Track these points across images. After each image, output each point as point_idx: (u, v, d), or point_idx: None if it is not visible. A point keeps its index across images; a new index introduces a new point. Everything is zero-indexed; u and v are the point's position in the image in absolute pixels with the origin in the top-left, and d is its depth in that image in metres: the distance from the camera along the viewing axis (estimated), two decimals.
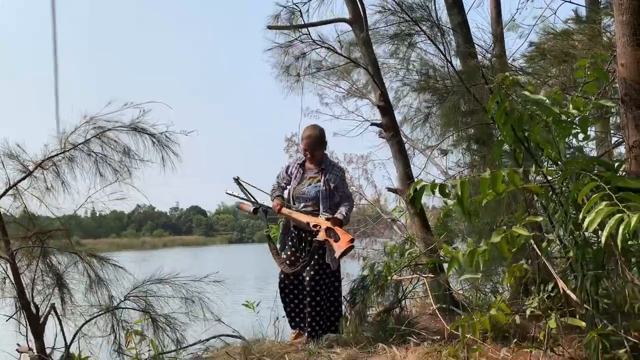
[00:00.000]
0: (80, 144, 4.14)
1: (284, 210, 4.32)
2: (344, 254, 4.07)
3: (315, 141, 4.35)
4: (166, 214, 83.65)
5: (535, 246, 3.02)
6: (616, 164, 2.72)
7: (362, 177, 11.87)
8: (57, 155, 4.11)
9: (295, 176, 4.40)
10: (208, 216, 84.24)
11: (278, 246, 4.42)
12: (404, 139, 5.85)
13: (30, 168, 4.07)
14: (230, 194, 4.50)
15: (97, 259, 4.15)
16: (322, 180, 4.30)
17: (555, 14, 4.99)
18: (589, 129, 3.39)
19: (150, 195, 4.45)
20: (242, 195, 4.45)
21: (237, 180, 4.46)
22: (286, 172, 4.49)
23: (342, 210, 4.24)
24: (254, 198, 4.46)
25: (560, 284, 2.88)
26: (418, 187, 2.53)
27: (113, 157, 4.26)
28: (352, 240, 4.07)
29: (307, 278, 4.21)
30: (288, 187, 4.46)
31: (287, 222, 4.47)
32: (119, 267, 4.19)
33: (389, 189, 6.06)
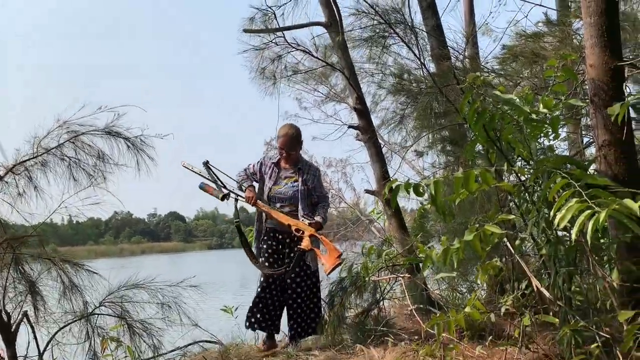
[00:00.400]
0: (53, 148, 4.07)
1: (260, 204, 4.17)
2: (332, 269, 4.05)
3: (292, 140, 4.24)
4: (144, 220, 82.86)
5: (508, 244, 3.06)
6: (586, 163, 2.78)
7: (342, 181, 11.92)
8: (29, 159, 4.03)
9: (270, 176, 4.26)
10: (187, 222, 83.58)
11: (254, 250, 4.26)
12: (381, 142, 5.89)
13: (1, 173, 3.99)
14: (186, 167, 4.25)
15: (71, 264, 4.08)
16: (299, 181, 4.21)
17: (526, 17, 5.08)
18: (560, 129, 3.46)
19: (127, 202, 4.41)
20: (207, 176, 4.23)
21: (206, 164, 4.24)
22: (259, 169, 4.34)
23: (321, 212, 4.21)
24: (223, 184, 4.23)
25: (534, 281, 2.92)
26: (393, 186, 2.55)
27: (87, 162, 4.20)
28: (340, 255, 4.03)
29: (289, 281, 4.16)
30: (257, 184, 4.33)
31: (260, 224, 4.31)
32: (94, 272, 4.13)
33: (367, 191, 6.09)
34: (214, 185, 4.21)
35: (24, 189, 4.08)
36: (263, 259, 4.25)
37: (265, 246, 4.26)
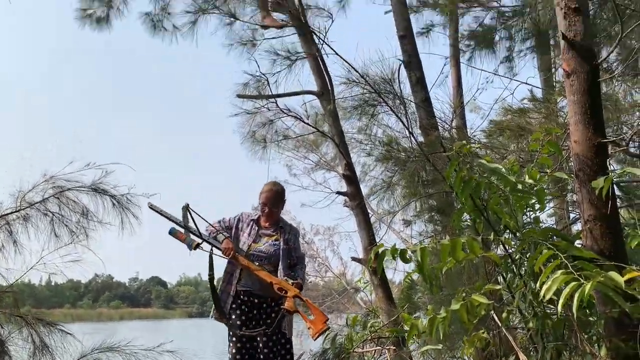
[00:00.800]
0: (37, 202, 4.03)
1: (240, 258, 3.86)
2: (319, 335, 3.86)
3: (276, 196, 4.08)
4: (125, 284, 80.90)
5: (495, 317, 3.00)
6: (572, 237, 2.78)
7: (328, 249, 11.85)
8: (11, 213, 3.98)
9: (249, 233, 4.02)
10: (168, 287, 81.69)
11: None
12: (370, 212, 5.89)
13: None
14: (153, 209, 3.81)
15: (44, 324, 3.93)
16: (281, 240, 4.03)
17: (512, 94, 5.26)
18: (546, 204, 3.49)
19: (109, 263, 4.30)
20: (177, 220, 3.79)
21: (186, 207, 3.82)
22: (236, 224, 4.06)
23: (300, 274, 4.05)
24: (199, 231, 3.83)
25: (521, 356, 2.84)
26: (379, 251, 2.52)
27: (70, 218, 4.15)
28: (327, 320, 3.87)
29: (261, 345, 3.89)
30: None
31: (228, 285, 3.95)
32: (67, 333, 3.97)
33: (354, 259, 6.03)
34: (186, 233, 3.82)
35: (3, 243, 4.00)
36: (233, 318, 3.93)
37: (238, 312, 3.90)
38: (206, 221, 3.90)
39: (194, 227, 3.84)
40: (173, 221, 3.83)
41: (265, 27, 5.01)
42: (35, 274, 4.08)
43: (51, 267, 4.06)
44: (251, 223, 4.07)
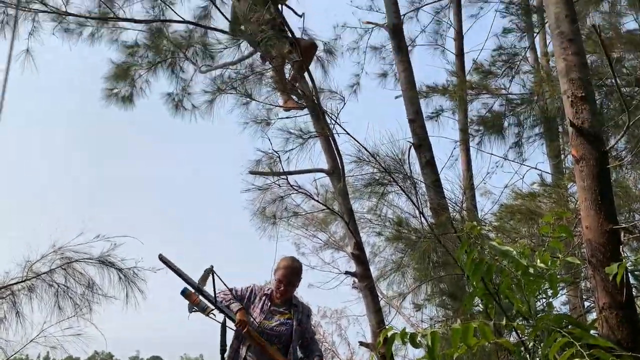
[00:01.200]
0: (43, 273, 4.02)
1: (254, 333, 3.62)
2: None
3: (294, 274, 3.94)
4: None
5: None
6: (587, 325, 2.69)
7: (336, 333, 11.49)
8: (17, 283, 3.96)
9: (261, 308, 3.81)
10: None
11: None
12: (379, 295, 5.78)
13: None
14: (165, 262, 3.53)
15: None
16: (294, 319, 3.84)
17: (522, 179, 5.30)
18: (560, 291, 3.41)
19: (110, 338, 4.20)
20: (193, 281, 3.49)
21: (211, 270, 3.56)
22: (248, 295, 3.86)
23: (318, 354, 3.90)
24: (215, 298, 3.55)
25: None
26: (388, 335, 2.45)
27: (76, 290, 4.13)
28: None
29: None
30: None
31: (234, 358, 3.70)
32: None
33: (361, 343, 5.82)
34: (201, 297, 3.52)
35: (5, 314, 3.95)
36: None
37: None
38: (226, 286, 3.69)
39: (210, 292, 3.59)
40: (185, 279, 3.56)
41: (288, 108, 5.14)
42: (35, 348, 3.98)
43: (52, 340, 3.99)
44: (264, 298, 3.87)
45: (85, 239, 4.08)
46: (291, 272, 3.93)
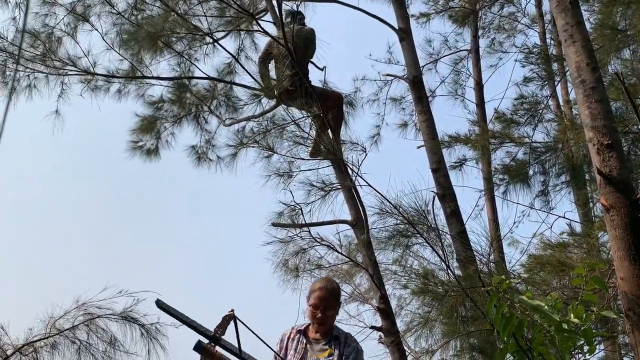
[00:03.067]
0: (66, 329, 3.99)
1: None
2: None
3: (331, 296, 3.14)
4: None
5: None
6: None
7: None
8: (39, 340, 3.94)
9: (296, 349, 3.07)
10: None
11: None
12: (406, 349, 5.60)
13: (9, 352, 3.86)
14: (163, 308, 2.65)
15: None
16: (335, 355, 3.02)
17: (550, 228, 5.17)
18: (596, 346, 3.25)
19: None
20: (204, 329, 2.59)
21: (232, 316, 2.61)
22: (281, 346, 3.14)
23: None
24: (240, 350, 2.59)
25: None
26: None
27: (97, 347, 4.09)
28: None
29: None
30: None
31: None
32: None
33: None
34: (223, 352, 2.60)
35: None
36: None
37: None
38: (254, 333, 2.61)
39: (229, 342, 2.69)
40: (196, 329, 2.68)
41: (315, 156, 5.12)
42: None
43: None
44: (297, 336, 3.13)
45: (108, 295, 4.07)
46: (328, 294, 3.12)
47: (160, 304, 2.71)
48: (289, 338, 3.15)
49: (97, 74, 5.94)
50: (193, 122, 6.78)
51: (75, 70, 5.73)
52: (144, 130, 6.89)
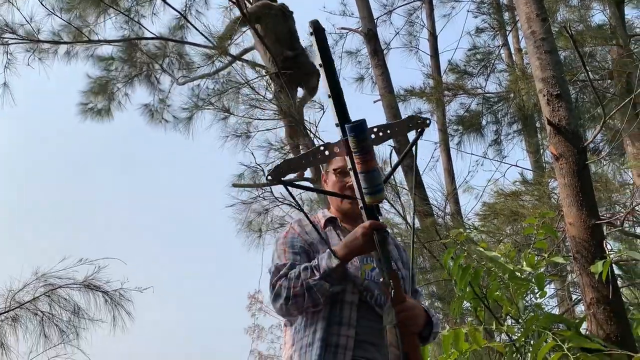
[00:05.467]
0: (27, 302, 3.93)
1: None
2: None
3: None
4: None
5: None
6: (577, 321, 2.71)
7: None
8: (0, 314, 3.87)
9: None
10: None
11: None
12: None
13: None
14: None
15: None
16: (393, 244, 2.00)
17: (504, 176, 5.34)
18: (546, 286, 3.43)
19: None
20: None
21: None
22: (302, 245, 1.84)
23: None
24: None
25: None
26: None
27: (61, 317, 4.05)
28: None
29: None
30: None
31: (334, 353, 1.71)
32: None
33: None
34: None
35: None
36: None
37: None
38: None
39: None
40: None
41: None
42: None
43: None
44: (329, 226, 1.91)
45: (68, 264, 4.01)
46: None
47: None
48: (311, 236, 1.86)
49: (42, 41, 5.66)
50: (145, 81, 6.58)
51: (17, 38, 5.44)
52: (96, 92, 6.65)
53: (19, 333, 3.91)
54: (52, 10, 5.51)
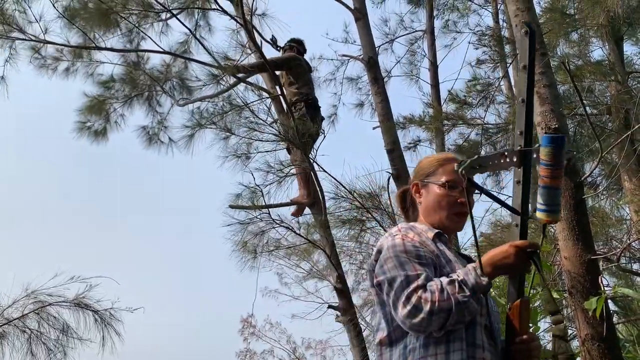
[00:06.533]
0: (15, 319, 3.88)
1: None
2: None
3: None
4: None
5: None
6: (571, 355, 2.68)
7: None
8: None
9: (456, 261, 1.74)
10: None
11: None
12: (363, 324, 5.71)
13: None
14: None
15: None
16: None
17: (501, 208, 5.30)
18: (541, 319, 3.40)
19: None
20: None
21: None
22: (430, 256, 1.67)
23: None
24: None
25: None
26: None
27: (49, 335, 4.00)
28: None
29: None
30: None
31: None
32: None
33: None
34: None
35: None
36: None
37: None
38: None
39: None
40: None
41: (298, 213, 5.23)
42: None
43: None
44: (439, 245, 1.75)
45: (59, 281, 3.97)
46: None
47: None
48: (427, 247, 1.69)
49: (49, 42, 5.71)
50: (145, 103, 6.60)
51: (23, 37, 5.51)
52: (92, 110, 6.66)
53: (6, 350, 3.85)
54: (62, 14, 5.58)
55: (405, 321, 1.53)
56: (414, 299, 1.51)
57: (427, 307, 1.49)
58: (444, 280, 1.55)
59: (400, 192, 1.98)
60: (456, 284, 1.52)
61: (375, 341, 1.62)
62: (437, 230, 1.76)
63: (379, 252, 1.70)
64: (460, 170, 1.60)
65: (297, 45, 5.85)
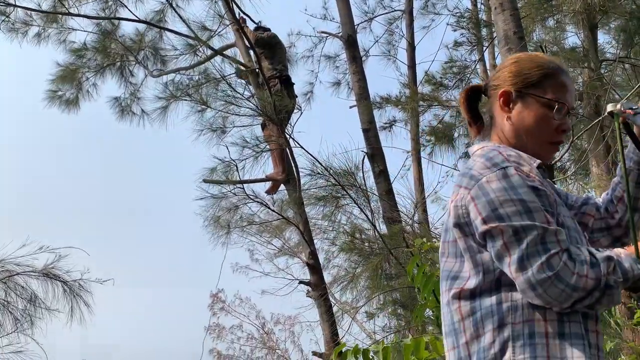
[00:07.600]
0: None
1: None
2: None
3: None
4: None
5: None
6: None
7: (289, 340, 11.46)
8: None
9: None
10: None
11: None
12: (333, 301, 5.78)
13: None
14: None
15: None
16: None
17: None
18: None
19: (53, 354, 4.01)
20: None
21: None
22: (554, 203, 1.30)
23: None
24: None
25: None
26: (342, 351, 2.45)
27: (16, 304, 3.94)
28: None
29: None
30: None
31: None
32: None
33: (314, 353, 5.81)
34: None
35: None
36: None
37: None
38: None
39: None
40: None
41: (273, 190, 5.29)
42: None
43: None
44: (553, 186, 1.44)
45: (28, 251, 3.91)
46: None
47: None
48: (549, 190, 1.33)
49: (18, 6, 5.51)
50: (117, 73, 6.46)
51: None
52: (64, 79, 6.49)
53: None
54: None
55: (537, 286, 1.21)
56: (556, 264, 1.20)
57: (572, 280, 1.20)
58: (603, 254, 1.25)
59: (466, 92, 1.49)
60: (613, 263, 1.24)
61: (450, 292, 1.33)
62: (539, 161, 1.34)
63: (477, 181, 1.27)
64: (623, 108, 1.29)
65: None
